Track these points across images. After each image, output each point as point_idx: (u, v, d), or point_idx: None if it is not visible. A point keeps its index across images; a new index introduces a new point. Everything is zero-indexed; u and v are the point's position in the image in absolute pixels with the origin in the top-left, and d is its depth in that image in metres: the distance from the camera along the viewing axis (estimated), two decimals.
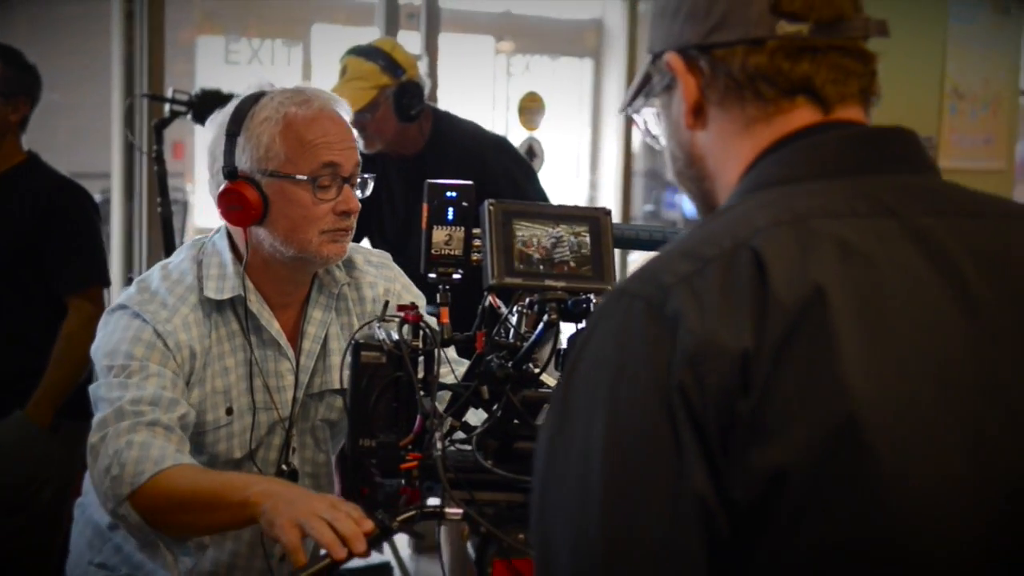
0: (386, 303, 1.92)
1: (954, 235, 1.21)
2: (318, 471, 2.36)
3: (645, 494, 1.12)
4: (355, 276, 2.35)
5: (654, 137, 1.40)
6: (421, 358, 1.83)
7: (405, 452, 1.78)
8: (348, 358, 1.84)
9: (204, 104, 3.93)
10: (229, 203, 2.13)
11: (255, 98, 2.18)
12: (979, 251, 1.20)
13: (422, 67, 3.89)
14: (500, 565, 1.72)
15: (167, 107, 3.91)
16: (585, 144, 7.17)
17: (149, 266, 4.87)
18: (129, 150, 4.77)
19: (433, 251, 1.85)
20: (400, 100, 3.70)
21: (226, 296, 2.20)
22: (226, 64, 6.40)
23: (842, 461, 1.10)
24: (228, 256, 2.22)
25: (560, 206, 1.84)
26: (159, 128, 3.95)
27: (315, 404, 2.33)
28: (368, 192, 2.25)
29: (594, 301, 1.79)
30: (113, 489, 2.00)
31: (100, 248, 3.73)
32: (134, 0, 4.78)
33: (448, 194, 1.86)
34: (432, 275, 1.88)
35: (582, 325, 1.79)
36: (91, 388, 2.16)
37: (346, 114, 2.22)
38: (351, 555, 1.76)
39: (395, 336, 1.81)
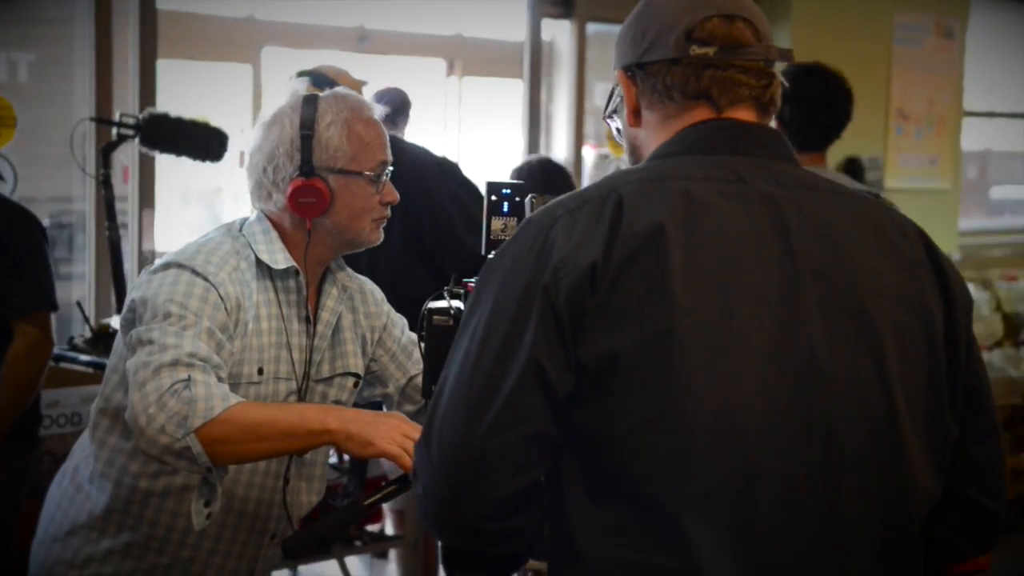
0: (453, 277, 2.22)
1: (789, 200, 1.62)
2: (315, 457, 2.49)
3: (503, 357, 1.56)
4: (356, 279, 2.57)
5: (621, 135, 1.84)
6: None
7: None
8: (423, 323, 2.16)
9: (151, 128, 3.92)
10: (304, 196, 2.35)
11: (310, 101, 2.40)
12: (807, 213, 1.62)
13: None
14: None
15: (114, 131, 3.90)
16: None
17: (98, 291, 4.87)
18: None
19: (492, 236, 2.22)
20: None
21: (280, 266, 2.37)
22: (175, 86, 6.38)
23: (661, 354, 1.52)
24: (274, 234, 2.40)
25: None
26: (106, 152, 3.93)
27: (325, 387, 2.47)
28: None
29: None
30: (176, 422, 2.09)
31: (47, 273, 3.69)
32: (80, 23, 4.76)
33: (504, 191, 2.22)
34: (492, 255, 2.16)
35: None
36: (138, 330, 2.21)
37: (379, 114, 2.47)
38: None
39: (458, 304, 2.16)
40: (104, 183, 3.97)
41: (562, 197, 1.65)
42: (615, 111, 1.82)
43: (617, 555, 1.55)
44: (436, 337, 2.12)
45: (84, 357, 3.93)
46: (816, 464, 1.55)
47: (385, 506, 4.17)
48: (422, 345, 2.14)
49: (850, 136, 4.07)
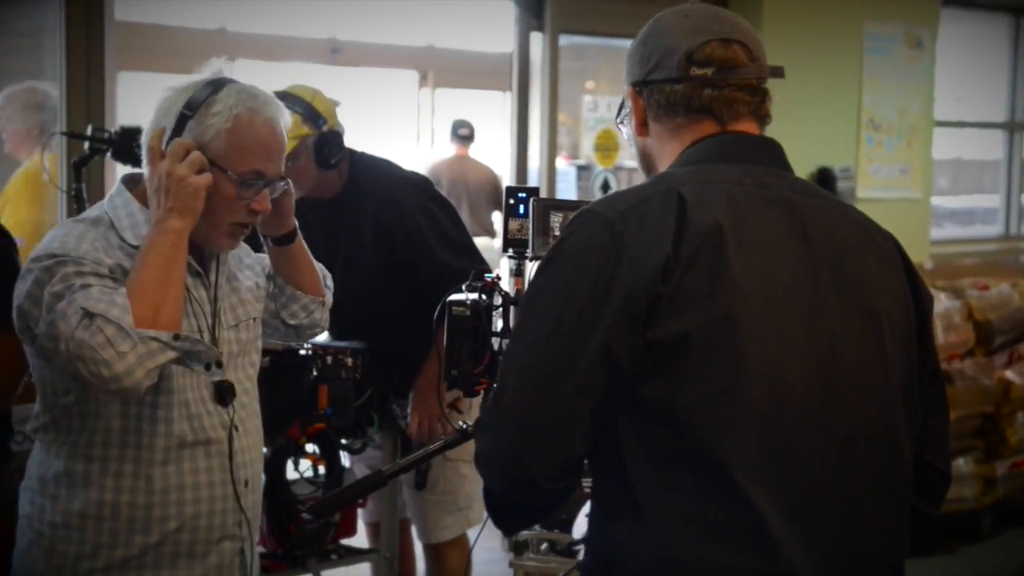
0: (471, 272, 2.41)
1: (802, 205, 1.87)
2: (249, 421, 2.53)
3: (575, 339, 1.76)
4: None
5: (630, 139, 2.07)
6: (494, 313, 2.38)
7: (478, 378, 2.32)
8: (442, 314, 2.33)
9: (124, 142, 3.89)
10: None
11: (215, 87, 2.36)
12: (816, 216, 1.87)
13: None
14: None
15: (86, 145, 3.87)
16: (510, 174, 7.23)
17: None
18: None
19: (510, 236, 2.44)
20: (321, 149, 3.66)
21: (134, 243, 2.32)
22: (146, 99, 6.36)
23: (727, 333, 1.75)
24: (136, 206, 2.37)
25: (583, 201, 2.29)
26: (78, 166, 3.91)
27: (234, 332, 2.51)
28: (276, 195, 2.46)
29: None
30: (118, 342, 2.14)
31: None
32: (49, 36, 4.73)
33: (520, 195, 2.43)
34: (509, 253, 2.43)
35: None
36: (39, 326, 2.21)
37: (286, 124, 2.44)
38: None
39: (473, 297, 2.34)
40: (76, 197, 3.94)
41: (618, 192, 1.88)
42: (625, 119, 2.06)
43: (681, 511, 1.76)
44: (455, 326, 2.32)
45: None
46: (837, 430, 1.81)
47: (360, 520, 4.15)
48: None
49: (822, 146, 4.09)
